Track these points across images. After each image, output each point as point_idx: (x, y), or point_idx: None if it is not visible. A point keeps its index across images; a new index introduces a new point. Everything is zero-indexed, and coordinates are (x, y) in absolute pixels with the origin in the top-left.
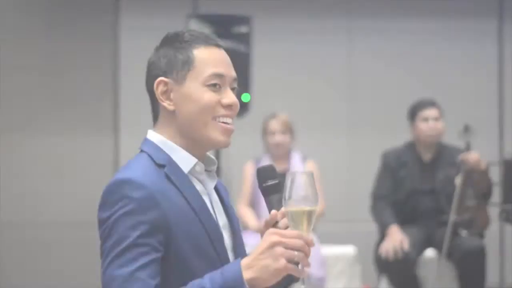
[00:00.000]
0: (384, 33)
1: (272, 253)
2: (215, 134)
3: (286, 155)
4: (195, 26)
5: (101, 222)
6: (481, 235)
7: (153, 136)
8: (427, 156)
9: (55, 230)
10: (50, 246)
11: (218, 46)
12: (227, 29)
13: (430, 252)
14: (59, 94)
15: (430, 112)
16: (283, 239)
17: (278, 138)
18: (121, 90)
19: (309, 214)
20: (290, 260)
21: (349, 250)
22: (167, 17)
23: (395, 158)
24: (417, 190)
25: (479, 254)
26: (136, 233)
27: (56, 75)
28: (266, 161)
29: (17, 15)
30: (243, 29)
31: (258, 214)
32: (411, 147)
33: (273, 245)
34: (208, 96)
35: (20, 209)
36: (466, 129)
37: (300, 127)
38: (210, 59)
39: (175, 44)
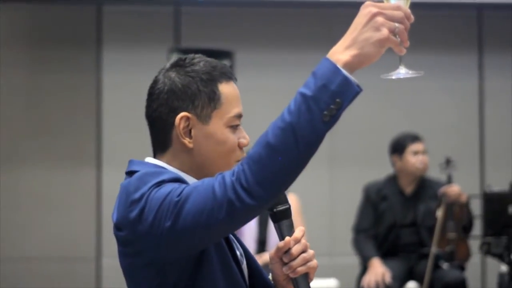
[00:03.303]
0: (364, 67)
1: (373, 24)
2: None
3: None
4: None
5: (132, 207)
6: (462, 268)
7: (158, 162)
8: (408, 189)
9: (36, 266)
10: (30, 282)
11: (235, 80)
12: None
13: (411, 285)
14: (41, 127)
15: (419, 146)
16: (384, 10)
17: None
18: (104, 124)
19: None
20: (390, 32)
21: (331, 283)
22: (149, 51)
23: (377, 192)
24: (398, 223)
25: (460, 287)
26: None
27: (39, 109)
28: None
29: (0, 49)
30: (225, 63)
31: None
32: (393, 180)
33: (373, 16)
34: (232, 138)
35: None
36: (447, 162)
37: None
38: (233, 97)
39: (194, 73)
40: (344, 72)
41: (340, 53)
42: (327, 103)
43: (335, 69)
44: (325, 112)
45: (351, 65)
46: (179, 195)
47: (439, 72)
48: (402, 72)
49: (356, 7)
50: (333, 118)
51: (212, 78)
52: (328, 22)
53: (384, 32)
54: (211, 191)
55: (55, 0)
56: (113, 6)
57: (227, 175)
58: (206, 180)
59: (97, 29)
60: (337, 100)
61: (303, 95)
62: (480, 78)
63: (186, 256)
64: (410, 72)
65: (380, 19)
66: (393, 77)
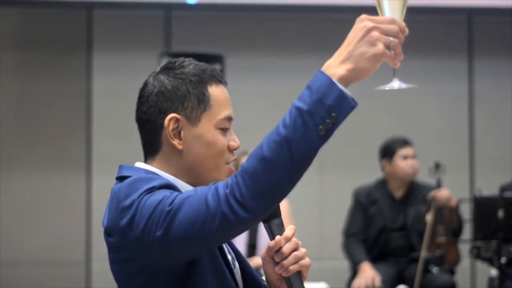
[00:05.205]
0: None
1: (368, 39)
2: (225, 178)
3: None
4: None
5: (122, 214)
6: (452, 272)
7: (149, 167)
8: (398, 193)
9: (26, 270)
10: (20, 286)
11: (225, 83)
12: None
13: None
14: (31, 132)
15: (409, 150)
16: (379, 24)
17: None
18: (94, 129)
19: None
20: (385, 46)
21: (321, 287)
22: (140, 56)
23: (366, 196)
24: (388, 227)
25: None
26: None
27: (29, 114)
28: None
29: None
30: (215, 67)
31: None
32: (383, 184)
33: (369, 30)
34: (221, 141)
35: None
36: (437, 166)
37: None
38: (222, 99)
39: (183, 75)
40: (340, 86)
41: (336, 67)
42: (323, 117)
43: (330, 83)
44: (321, 127)
45: (346, 79)
46: (171, 204)
47: (429, 77)
48: (396, 84)
49: (347, 11)
50: (328, 132)
51: (202, 80)
52: (319, 26)
53: (380, 47)
54: (204, 202)
55: (45, 4)
56: (103, 10)
57: (221, 187)
58: (199, 190)
59: (87, 33)
60: (333, 114)
61: (298, 109)
62: (470, 82)
63: (177, 264)
64: (404, 84)
65: (375, 33)
66: (387, 89)
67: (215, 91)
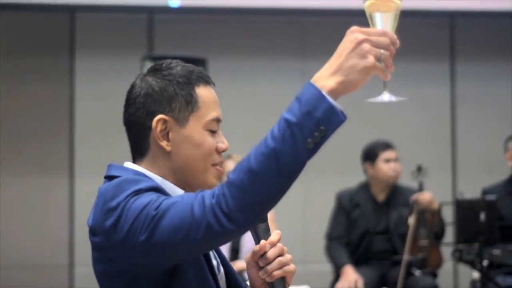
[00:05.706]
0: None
1: (359, 51)
2: (212, 179)
3: None
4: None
5: (108, 215)
6: (434, 275)
7: (138, 167)
8: (381, 196)
9: (9, 274)
10: None
11: (213, 85)
12: None
13: None
14: (14, 136)
15: (391, 154)
16: (370, 37)
17: None
18: (77, 133)
19: (396, 12)
20: (376, 59)
21: None
22: (122, 59)
23: (349, 199)
24: (371, 231)
25: None
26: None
27: (11, 117)
28: None
29: None
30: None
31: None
32: (365, 187)
33: (360, 42)
34: (210, 142)
35: None
36: (419, 169)
37: None
38: (211, 101)
39: (171, 77)
40: (330, 99)
41: (325, 79)
42: (312, 130)
43: (320, 96)
44: (309, 140)
45: (336, 92)
46: (156, 208)
47: (411, 80)
48: (386, 97)
49: (330, 15)
50: (317, 146)
51: (189, 82)
52: (302, 29)
53: (370, 59)
54: (189, 210)
55: (27, 7)
56: (86, 13)
57: (207, 196)
58: (186, 197)
59: (70, 36)
60: (322, 127)
61: (287, 121)
62: (452, 85)
63: (160, 268)
64: (394, 97)
65: (366, 46)
66: (377, 101)
67: (203, 92)
